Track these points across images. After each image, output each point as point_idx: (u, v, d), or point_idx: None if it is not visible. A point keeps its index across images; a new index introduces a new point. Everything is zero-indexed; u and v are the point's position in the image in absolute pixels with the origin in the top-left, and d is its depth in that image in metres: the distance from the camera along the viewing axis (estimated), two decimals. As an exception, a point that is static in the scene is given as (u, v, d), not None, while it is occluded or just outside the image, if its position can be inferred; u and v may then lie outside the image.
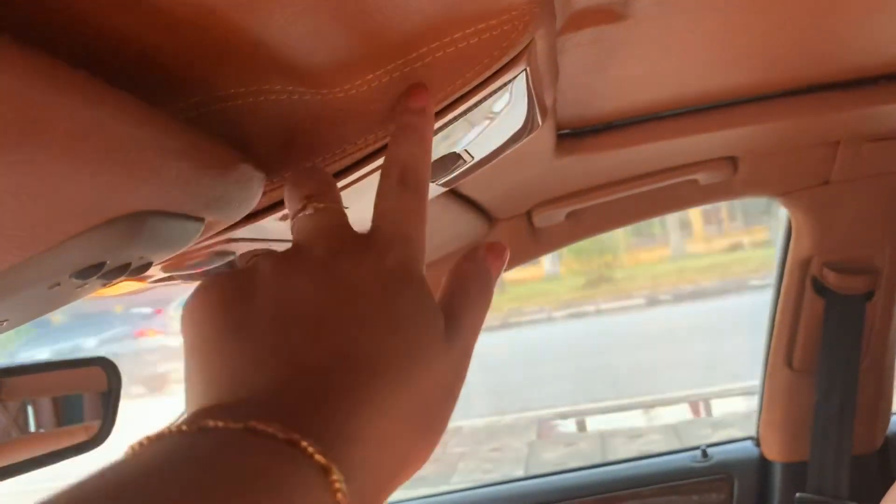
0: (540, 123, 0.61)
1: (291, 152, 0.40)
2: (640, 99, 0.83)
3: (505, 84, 0.43)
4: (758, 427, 1.41)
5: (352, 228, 0.33)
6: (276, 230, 0.48)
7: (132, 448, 0.22)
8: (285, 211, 0.45)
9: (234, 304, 0.30)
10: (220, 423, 0.22)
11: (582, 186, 1.09)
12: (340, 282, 0.30)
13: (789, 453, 1.35)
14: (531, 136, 0.64)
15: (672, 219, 11.97)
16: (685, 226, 13.61)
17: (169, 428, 0.23)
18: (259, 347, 0.28)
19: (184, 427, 0.23)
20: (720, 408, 5.84)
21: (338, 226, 0.33)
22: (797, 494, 1.30)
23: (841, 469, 1.27)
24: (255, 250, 0.37)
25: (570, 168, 0.96)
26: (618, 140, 0.88)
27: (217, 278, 0.31)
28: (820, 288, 1.27)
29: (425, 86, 0.36)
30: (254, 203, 0.40)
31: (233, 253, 0.52)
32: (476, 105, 0.43)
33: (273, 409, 0.24)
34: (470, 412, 6.58)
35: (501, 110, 0.54)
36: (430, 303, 0.31)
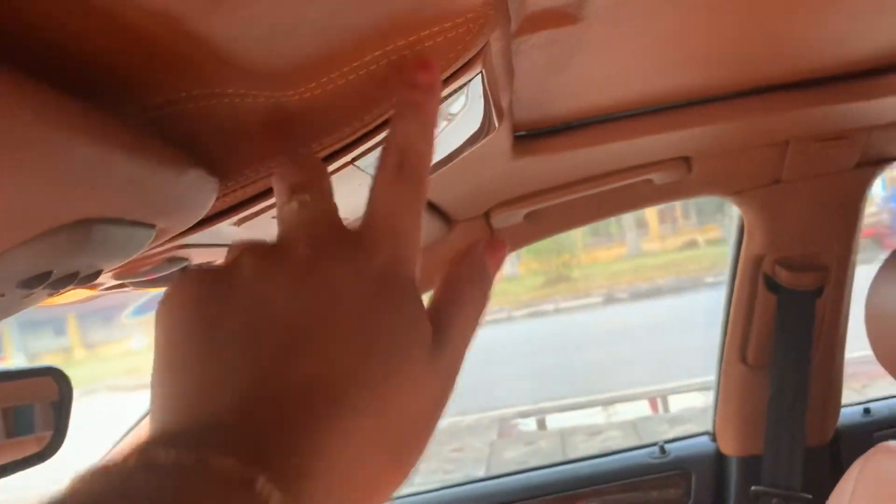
0: (497, 125, 0.61)
1: (247, 155, 0.39)
2: (596, 100, 0.84)
3: (461, 87, 0.43)
4: (714, 422, 1.43)
5: (341, 223, 0.31)
6: (232, 234, 0.47)
7: (73, 482, 0.20)
8: (241, 215, 0.44)
9: (208, 304, 0.27)
10: (172, 456, 0.21)
11: (540, 187, 1.10)
12: (321, 289, 0.27)
13: (744, 447, 1.38)
14: (488, 137, 0.64)
15: (628, 218, 12.12)
16: (641, 225, 13.81)
17: (115, 461, 0.21)
18: (226, 362, 0.26)
19: (131, 460, 0.21)
20: (677, 403, 5.94)
21: (324, 222, 0.31)
22: (752, 488, 1.33)
23: (794, 462, 1.30)
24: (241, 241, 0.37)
25: (527, 169, 0.97)
26: (574, 141, 0.89)
27: (195, 273, 0.29)
28: (772, 285, 1.30)
29: (432, 60, 0.34)
30: (207, 209, 0.39)
31: (186, 259, 0.51)
32: None
33: (233, 437, 0.22)
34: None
35: (457, 112, 0.54)
36: (417, 313, 0.29)
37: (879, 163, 1.24)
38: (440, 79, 0.34)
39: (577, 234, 12.71)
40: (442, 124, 0.52)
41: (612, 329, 8.96)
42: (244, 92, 0.32)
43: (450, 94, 0.43)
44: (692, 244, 13.12)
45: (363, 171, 0.46)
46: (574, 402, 6.39)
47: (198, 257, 0.51)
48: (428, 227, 1.04)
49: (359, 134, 0.39)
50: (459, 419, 6.45)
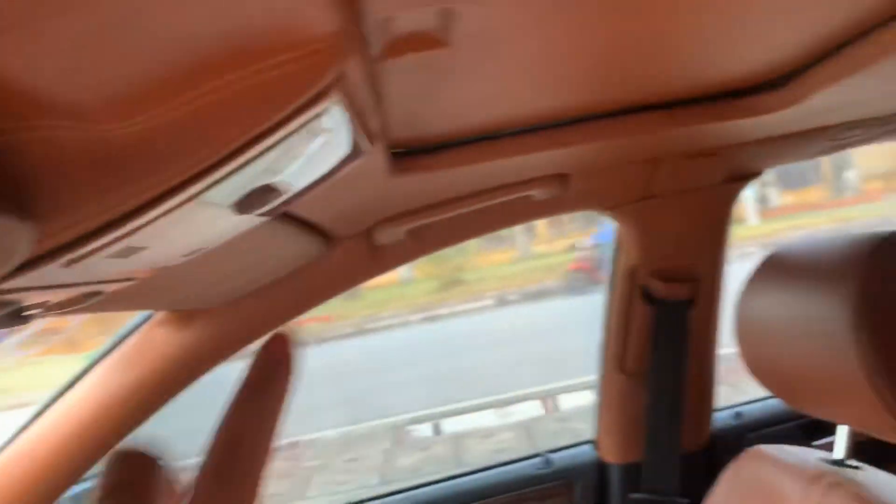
0: (367, 148, 0.59)
1: (70, 193, 0.35)
2: (472, 120, 0.83)
3: (319, 114, 0.41)
4: (596, 431, 1.46)
5: None
6: (63, 276, 0.43)
7: None
8: (68, 257, 0.40)
9: None
10: None
11: (421, 204, 1.08)
12: None
13: (625, 455, 1.41)
14: (361, 159, 0.62)
15: (518, 222, 12.35)
16: (530, 228, 14.19)
17: None
18: None
19: None
20: (567, 402, 6.11)
21: None
22: (632, 494, 1.36)
23: (672, 467, 1.34)
24: None
25: (407, 186, 0.95)
26: (452, 159, 0.88)
27: None
28: (647, 296, 1.34)
29: (286, 335, 0.30)
30: (22, 253, 0.34)
31: (17, 302, 0.46)
32: (287, 137, 0.40)
33: None
34: (325, 424, 6.50)
35: (322, 140, 0.52)
36: None
37: (744, 178, 1.30)
38: (292, 358, 0.31)
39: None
40: (305, 152, 0.50)
41: (505, 331, 9.13)
42: (57, 124, 0.28)
43: (306, 123, 0.40)
44: (577, 246, 13.60)
45: (211, 204, 0.42)
46: (469, 405, 6.45)
47: (29, 299, 0.46)
48: (306, 244, 1.01)
49: (199, 168, 0.36)
50: (353, 429, 6.40)
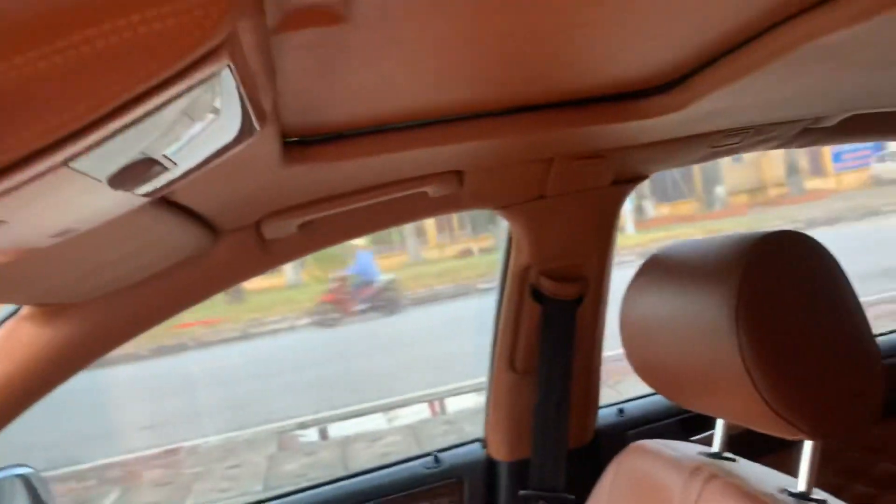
0: (258, 128, 0.56)
1: None
2: (369, 110, 0.81)
3: (205, 80, 0.38)
4: (485, 429, 1.47)
5: None
6: None
7: None
8: None
9: None
10: None
11: (313, 197, 1.05)
12: None
13: (513, 452, 1.43)
14: (251, 142, 0.59)
15: (408, 226, 12.44)
16: (421, 233, 14.27)
17: None
18: None
19: None
20: (454, 405, 6.18)
21: None
22: (520, 491, 1.38)
23: (558, 464, 1.37)
24: None
25: (300, 178, 0.92)
26: (346, 150, 0.86)
27: None
28: (537, 294, 1.36)
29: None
30: None
31: None
32: (171, 102, 0.37)
33: None
34: (206, 430, 6.30)
35: (209, 111, 0.49)
36: None
37: (632, 181, 1.34)
38: None
39: (361, 242, 12.80)
40: (189, 125, 0.47)
41: (395, 335, 9.13)
42: None
43: (192, 87, 0.37)
44: (467, 252, 13.80)
45: (84, 174, 0.39)
46: (356, 409, 6.41)
47: None
48: (190, 236, 0.96)
49: (71, 129, 0.33)
50: (237, 434, 6.22)
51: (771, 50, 0.71)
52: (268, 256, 1.11)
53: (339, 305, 10.46)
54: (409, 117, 0.88)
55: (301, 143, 0.84)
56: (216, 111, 0.50)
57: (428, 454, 1.45)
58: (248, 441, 6.09)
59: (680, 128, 1.13)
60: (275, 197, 1.01)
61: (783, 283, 0.80)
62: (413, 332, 9.10)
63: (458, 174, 1.14)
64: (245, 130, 0.56)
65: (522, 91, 0.88)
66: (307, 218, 1.08)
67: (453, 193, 1.17)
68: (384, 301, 10.43)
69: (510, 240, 1.37)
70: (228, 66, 0.38)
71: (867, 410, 0.79)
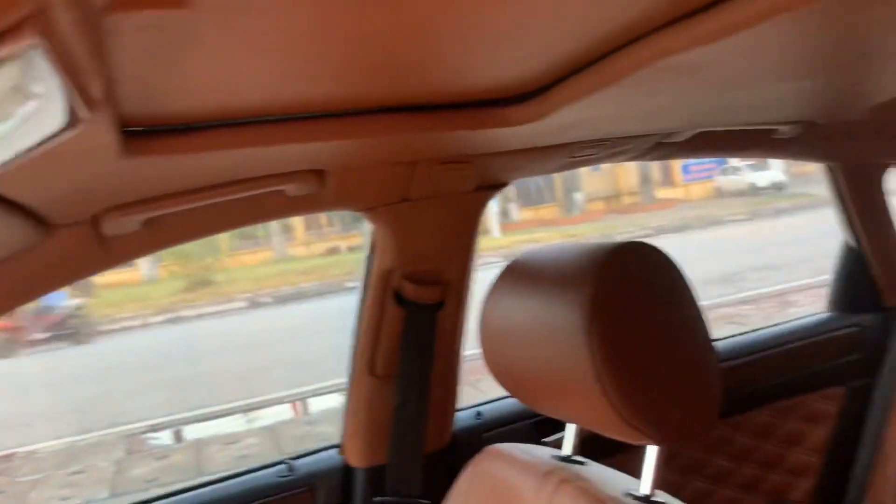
0: (86, 116, 0.51)
1: None
2: (219, 102, 0.76)
3: (10, 58, 0.34)
4: (342, 434, 1.44)
5: None
6: None
7: None
8: None
9: None
10: None
11: (159, 192, 0.98)
12: None
13: (370, 458, 1.40)
14: (81, 130, 0.54)
15: (275, 223, 12.18)
16: (287, 230, 13.97)
17: None
18: None
19: None
20: (318, 405, 6.10)
21: None
22: (375, 498, 1.36)
23: (414, 469, 1.36)
24: None
25: (143, 171, 0.85)
26: (194, 143, 0.80)
27: None
28: (400, 299, 1.35)
29: None
30: None
31: None
32: None
33: None
34: (47, 435, 5.88)
35: (26, 96, 0.44)
36: None
37: (494, 187, 1.36)
38: None
39: (223, 238, 12.37)
40: (14, 109, 0.42)
41: (257, 334, 8.91)
42: None
43: None
44: (335, 250, 13.66)
45: None
46: (214, 410, 6.19)
47: None
48: (16, 230, 0.86)
49: None
50: (81, 438, 5.85)
51: (626, 66, 0.73)
52: (106, 253, 1.02)
53: (13, 333, 9.41)
54: (264, 112, 0.84)
55: (144, 133, 0.78)
56: (35, 96, 0.45)
57: (282, 462, 1.40)
58: (93, 445, 5.76)
59: (541, 137, 1.15)
60: (115, 191, 0.93)
61: (633, 292, 0.82)
62: (277, 330, 8.91)
63: (319, 174, 1.10)
64: (73, 117, 0.51)
65: (385, 92, 0.86)
66: (152, 214, 1.00)
67: (313, 193, 1.13)
68: (70, 329, 9.55)
69: (373, 243, 1.34)
70: (40, 44, 0.34)
71: (707, 415, 0.83)
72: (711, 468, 1.73)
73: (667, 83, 0.85)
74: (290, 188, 1.09)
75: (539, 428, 1.54)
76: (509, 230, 14.16)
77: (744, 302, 7.56)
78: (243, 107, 0.80)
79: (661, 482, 0.87)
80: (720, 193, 16.45)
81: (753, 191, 15.69)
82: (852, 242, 1.85)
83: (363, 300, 1.38)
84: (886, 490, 1.58)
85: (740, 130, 1.45)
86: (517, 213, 15.93)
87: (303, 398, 6.27)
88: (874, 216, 1.80)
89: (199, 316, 10.85)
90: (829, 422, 1.82)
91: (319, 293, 10.75)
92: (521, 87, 0.90)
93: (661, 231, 12.57)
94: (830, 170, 1.75)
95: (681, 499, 0.86)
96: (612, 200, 16.28)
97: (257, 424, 5.95)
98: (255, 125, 0.84)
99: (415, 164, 1.17)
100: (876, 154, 1.73)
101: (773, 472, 1.79)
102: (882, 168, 1.76)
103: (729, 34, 0.61)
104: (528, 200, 15.89)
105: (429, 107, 0.93)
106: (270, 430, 5.75)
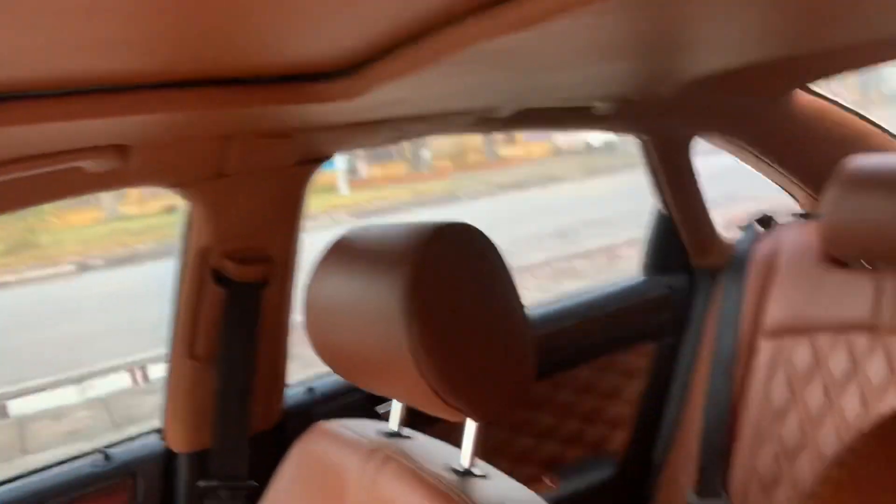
0: None
1: None
2: (9, 73, 0.69)
3: None
4: (163, 419, 1.38)
5: None
6: None
7: None
8: None
9: None
10: None
11: None
12: None
13: (193, 443, 1.36)
14: None
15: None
16: (119, 186, 13.10)
17: None
18: None
19: None
20: (157, 372, 5.83)
21: None
22: (199, 482, 1.32)
23: (239, 451, 1.33)
24: None
25: None
26: None
27: None
28: (220, 278, 1.30)
29: None
30: None
31: None
32: None
33: None
34: None
35: None
36: None
37: (318, 161, 1.33)
38: None
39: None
40: None
41: (88, 299, 8.36)
42: None
43: None
44: (172, 208, 12.96)
45: None
46: (42, 383, 5.76)
47: None
48: None
49: None
50: None
51: (440, 48, 0.73)
52: None
53: None
54: (57, 84, 0.77)
55: None
56: None
57: (97, 451, 1.32)
58: None
59: (363, 113, 1.14)
60: None
61: (453, 272, 0.83)
62: (110, 294, 8.39)
63: (122, 148, 1.03)
64: None
65: (196, 65, 0.81)
66: None
67: (117, 169, 1.06)
68: None
69: (189, 220, 1.28)
70: None
71: (521, 391, 0.87)
72: (537, 426, 1.83)
73: (484, 64, 0.86)
74: (89, 164, 1.02)
75: (372, 399, 1.55)
76: (358, 187, 14.07)
77: (577, 256, 8.06)
78: (26, 80, 0.73)
79: (486, 443, 0.90)
80: (559, 152, 17.16)
81: (589, 150, 16.51)
82: (663, 209, 1.99)
83: (181, 280, 1.31)
84: (691, 438, 1.74)
85: (560, 107, 1.51)
86: (366, 170, 15.83)
87: (142, 366, 5.97)
88: (682, 184, 1.94)
89: (21, 281, 10.02)
90: (643, 376, 1.97)
91: (156, 255, 10.19)
92: (338, 63, 0.89)
93: (503, 187, 12.94)
94: (643, 142, 1.86)
95: (507, 456, 0.90)
96: (458, 158, 16.56)
97: (90, 396, 5.61)
98: (46, 99, 0.77)
99: (230, 139, 1.13)
100: (683, 127, 1.86)
101: (593, 425, 1.92)
102: (688, 139, 1.89)
103: (537, 22, 0.62)
104: (376, 157, 15.82)
105: (242, 80, 0.89)
106: (105, 402, 5.45)
